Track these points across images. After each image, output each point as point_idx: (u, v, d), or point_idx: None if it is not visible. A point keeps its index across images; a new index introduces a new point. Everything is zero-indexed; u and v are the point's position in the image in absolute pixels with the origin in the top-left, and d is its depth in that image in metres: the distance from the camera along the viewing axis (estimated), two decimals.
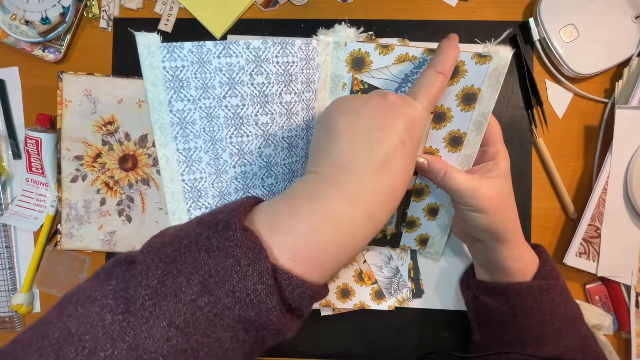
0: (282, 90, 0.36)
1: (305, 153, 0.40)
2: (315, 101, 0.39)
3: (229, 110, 0.35)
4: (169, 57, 0.33)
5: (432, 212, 0.46)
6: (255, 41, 0.34)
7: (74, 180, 0.49)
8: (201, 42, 0.33)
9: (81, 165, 0.49)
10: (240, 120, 0.35)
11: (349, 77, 0.39)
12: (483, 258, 0.43)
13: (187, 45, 0.33)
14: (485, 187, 0.38)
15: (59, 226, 0.49)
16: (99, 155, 0.49)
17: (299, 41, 0.36)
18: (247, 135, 0.36)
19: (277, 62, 0.35)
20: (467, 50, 0.36)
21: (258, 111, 0.36)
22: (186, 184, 0.34)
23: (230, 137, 0.35)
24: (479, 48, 0.37)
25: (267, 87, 0.35)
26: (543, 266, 0.41)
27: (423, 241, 0.48)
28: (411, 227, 0.47)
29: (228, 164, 0.36)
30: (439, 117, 0.40)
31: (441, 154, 0.41)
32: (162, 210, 0.50)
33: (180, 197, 0.34)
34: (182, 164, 0.34)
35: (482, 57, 0.36)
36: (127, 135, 0.49)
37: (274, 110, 0.36)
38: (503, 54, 0.36)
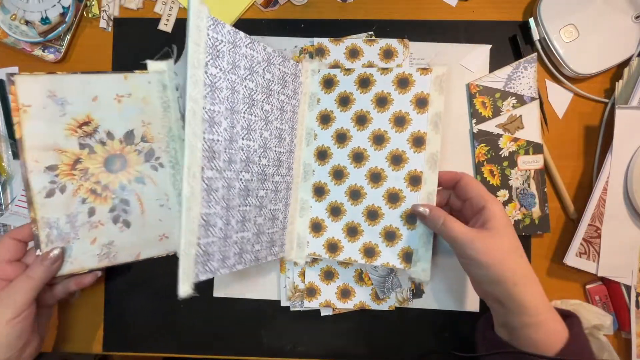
0: (279, 90, 0.44)
1: (290, 148, 0.47)
2: (298, 108, 0.48)
3: (246, 90, 0.40)
4: (213, 28, 0.36)
5: (410, 219, 0.45)
6: (269, 47, 0.43)
7: (49, 194, 0.41)
8: (237, 30, 0.39)
9: (56, 176, 0.41)
10: (252, 102, 0.41)
11: (322, 93, 0.48)
12: (502, 320, 0.40)
13: (227, 26, 0.38)
14: (481, 239, 0.38)
15: (37, 252, 0.40)
16: (77, 161, 0.42)
17: (292, 61, 0.46)
18: (255, 116, 0.41)
19: (279, 69, 0.44)
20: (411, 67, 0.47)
21: (264, 100, 0.42)
22: (205, 142, 0.36)
23: (244, 113, 0.40)
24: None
25: (272, 83, 0.43)
26: (573, 342, 0.36)
27: (407, 257, 0.45)
28: (391, 239, 0.45)
29: (239, 135, 0.40)
30: (399, 120, 0.46)
31: (408, 156, 0.45)
32: (164, 207, 0.46)
33: (198, 154, 0.35)
34: (206, 122, 0.36)
35: (424, 70, 0.45)
36: (109, 134, 0.44)
37: (273, 103, 0.43)
38: (440, 67, 0.45)
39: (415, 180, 0.45)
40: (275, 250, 0.46)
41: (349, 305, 0.49)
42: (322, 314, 0.50)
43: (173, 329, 0.51)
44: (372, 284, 0.49)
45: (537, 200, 0.49)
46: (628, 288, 0.48)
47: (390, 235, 0.45)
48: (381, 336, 0.51)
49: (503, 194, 0.49)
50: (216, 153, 0.37)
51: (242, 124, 0.40)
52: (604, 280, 0.49)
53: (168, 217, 0.46)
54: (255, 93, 0.41)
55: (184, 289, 0.34)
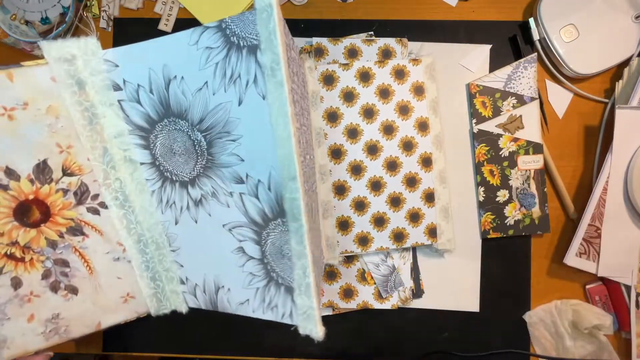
0: (305, 93, 0.42)
1: (312, 153, 0.44)
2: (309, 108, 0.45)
3: (299, 98, 0.36)
4: (284, 31, 0.29)
5: (429, 198, 0.48)
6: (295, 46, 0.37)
7: None
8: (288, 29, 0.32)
9: None
10: (302, 112, 0.37)
11: (324, 90, 0.48)
12: None
13: (286, 25, 0.31)
14: None
15: None
16: None
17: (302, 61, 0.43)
18: (304, 125, 0.37)
19: (300, 68, 0.41)
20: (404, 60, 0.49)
21: (303, 107, 0.39)
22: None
23: (302, 126, 0.36)
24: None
25: (301, 87, 0.40)
26: None
27: (432, 232, 0.49)
28: (415, 220, 0.48)
29: (304, 152, 0.36)
30: (404, 109, 0.49)
31: (417, 140, 0.49)
32: (121, 261, 0.35)
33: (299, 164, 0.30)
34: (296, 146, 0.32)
35: (415, 60, 0.49)
36: (9, 172, 0.30)
37: (304, 107, 0.41)
38: (428, 57, 0.49)
39: (427, 162, 0.48)
40: (323, 258, 0.45)
41: (352, 305, 0.49)
42: (322, 314, 0.50)
43: (173, 329, 0.51)
44: (374, 283, 0.49)
45: (537, 200, 0.49)
46: (628, 288, 0.48)
47: (414, 217, 0.49)
48: (381, 336, 0.51)
49: (503, 194, 0.49)
50: (304, 180, 0.32)
51: (303, 138, 0.33)
52: (604, 280, 0.49)
53: (129, 273, 0.36)
54: (301, 100, 0.35)
55: (322, 329, 0.31)
